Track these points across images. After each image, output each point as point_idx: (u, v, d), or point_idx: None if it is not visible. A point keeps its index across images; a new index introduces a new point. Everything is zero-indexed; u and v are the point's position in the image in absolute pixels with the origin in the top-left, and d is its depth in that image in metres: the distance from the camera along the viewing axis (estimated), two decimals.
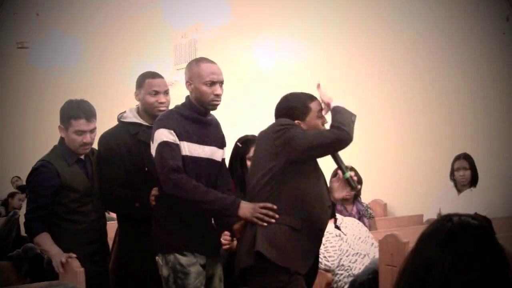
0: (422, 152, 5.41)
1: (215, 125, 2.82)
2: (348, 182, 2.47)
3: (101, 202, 2.96)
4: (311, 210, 2.47)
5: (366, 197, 4.72)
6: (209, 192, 2.56)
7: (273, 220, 2.45)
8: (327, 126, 2.50)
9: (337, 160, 2.47)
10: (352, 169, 2.53)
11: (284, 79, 6.45)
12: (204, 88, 2.64)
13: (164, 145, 2.58)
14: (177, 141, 2.60)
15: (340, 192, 2.55)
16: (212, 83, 2.64)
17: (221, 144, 2.84)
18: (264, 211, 2.46)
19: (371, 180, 4.80)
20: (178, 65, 7.73)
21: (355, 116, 2.46)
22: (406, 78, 5.56)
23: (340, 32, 6.13)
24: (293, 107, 2.54)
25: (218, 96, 2.66)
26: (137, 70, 3.20)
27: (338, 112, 2.47)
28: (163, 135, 2.60)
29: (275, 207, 2.45)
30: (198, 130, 2.69)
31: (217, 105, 2.69)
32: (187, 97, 2.72)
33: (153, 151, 2.64)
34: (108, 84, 8.87)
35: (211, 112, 2.79)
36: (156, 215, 2.72)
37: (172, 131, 2.60)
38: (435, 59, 5.34)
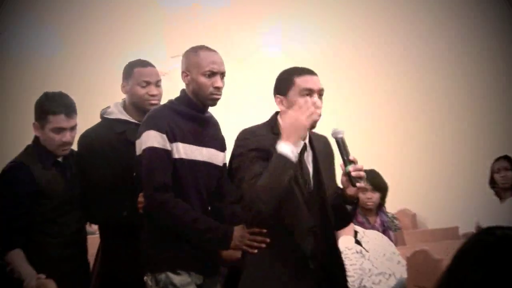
0: (457, 155, 5.42)
1: (214, 125, 2.81)
2: (348, 177, 2.39)
3: (82, 212, 2.93)
4: (284, 235, 2.43)
5: (392, 206, 4.68)
6: (199, 220, 2.55)
7: (263, 245, 2.45)
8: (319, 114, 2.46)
9: (339, 148, 2.41)
10: (352, 162, 2.42)
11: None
12: (203, 79, 2.63)
13: (152, 152, 2.57)
14: (168, 147, 2.59)
15: (349, 189, 2.46)
16: (212, 74, 2.63)
17: (221, 147, 2.82)
18: (251, 236, 2.47)
19: (398, 186, 4.77)
20: (172, 53, 7.70)
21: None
22: (436, 79, 5.61)
23: (349, 19, 6.23)
24: (278, 79, 2.53)
25: (219, 89, 2.64)
26: (125, 59, 3.20)
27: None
28: (152, 139, 2.58)
29: (264, 230, 2.44)
30: (195, 129, 2.68)
31: (217, 99, 2.67)
32: (183, 91, 2.71)
33: (138, 150, 2.63)
34: (91, 75, 8.84)
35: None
36: (145, 226, 2.68)
37: (163, 135, 2.58)
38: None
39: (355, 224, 3.52)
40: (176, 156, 2.59)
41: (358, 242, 3.17)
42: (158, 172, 2.54)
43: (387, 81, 5.99)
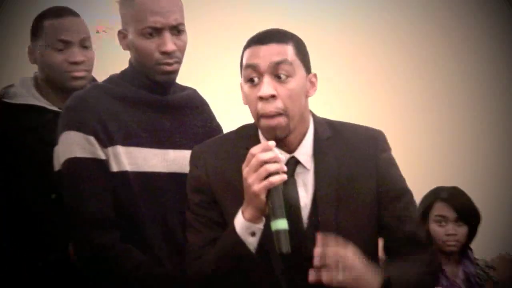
0: None
1: (195, 109, 2.04)
2: None
3: None
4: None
5: (484, 248, 3.49)
6: (157, 277, 1.86)
7: None
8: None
9: (270, 195, 1.61)
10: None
11: None
12: (141, 41, 1.92)
13: (74, 167, 1.87)
14: (100, 155, 1.87)
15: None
16: (155, 31, 1.90)
17: None
18: None
19: (494, 220, 3.90)
20: None
21: None
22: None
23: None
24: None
25: (169, 54, 1.90)
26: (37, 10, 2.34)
27: None
28: (73, 144, 1.88)
29: None
30: (151, 122, 1.95)
31: (171, 72, 1.93)
32: (130, 60, 2.01)
33: (56, 163, 1.90)
34: None
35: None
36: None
37: (90, 137, 1.87)
38: None
39: None
40: (114, 168, 1.86)
41: None
42: (88, 199, 1.85)
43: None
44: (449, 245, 2.92)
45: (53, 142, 1.97)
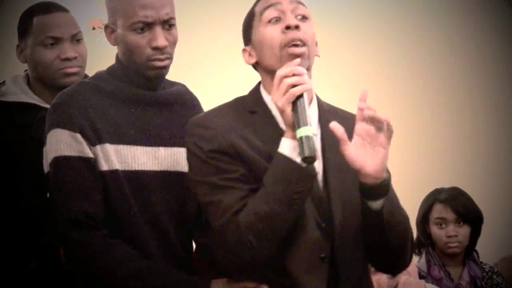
0: None
1: (184, 105, 2.05)
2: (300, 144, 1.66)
3: None
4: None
5: (489, 251, 3.60)
6: (146, 272, 1.83)
7: None
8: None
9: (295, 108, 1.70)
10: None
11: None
12: (132, 37, 1.92)
13: (62, 165, 1.89)
14: (87, 153, 1.89)
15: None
16: (146, 26, 1.91)
17: None
18: None
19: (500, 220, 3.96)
20: None
21: None
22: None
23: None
24: (242, 29, 1.90)
25: (161, 50, 1.91)
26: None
27: None
28: (60, 143, 1.90)
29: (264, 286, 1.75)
30: (140, 119, 1.95)
31: (162, 67, 1.94)
32: (117, 56, 2.01)
33: (45, 165, 1.92)
34: None
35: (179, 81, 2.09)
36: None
37: (77, 135, 1.88)
38: None
39: (427, 282, 2.73)
40: (104, 167, 1.88)
41: None
42: (75, 197, 1.86)
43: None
44: (451, 247, 2.96)
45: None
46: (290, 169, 1.61)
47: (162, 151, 1.94)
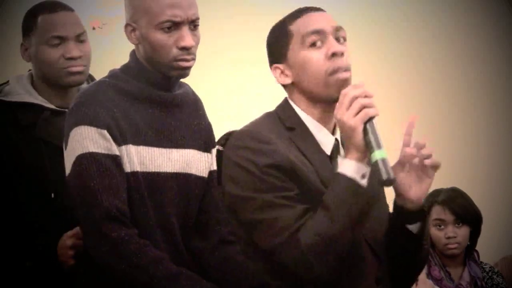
0: None
1: (191, 106, 2.03)
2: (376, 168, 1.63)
3: None
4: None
5: (489, 251, 3.62)
6: (177, 277, 1.81)
7: None
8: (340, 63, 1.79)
9: (366, 130, 1.68)
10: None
11: None
12: (158, 36, 1.89)
13: (89, 162, 1.84)
14: (115, 150, 1.85)
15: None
16: (174, 26, 1.89)
17: (206, 143, 2.05)
18: None
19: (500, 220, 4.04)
20: None
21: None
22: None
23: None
24: (268, 45, 1.86)
25: (188, 50, 1.89)
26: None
27: None
28: (87, 139, 1.85)
29: None
30: (156, 119, 1.94)
31: (187, 67, 1.92)
32: (132, 54, 1.97)
33: (67, 167, 1.86)
34: None
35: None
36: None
37: (103, 131, 1.84)
38: None
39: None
40: (127, 168, 1.86)
41: None
42: (105, 193, 1.82)
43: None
44: (450, 248, 2.97)
45: (51, 140, 2.03)
46: (355, 192, 1.59)
47: (175, 153, 1.93)
